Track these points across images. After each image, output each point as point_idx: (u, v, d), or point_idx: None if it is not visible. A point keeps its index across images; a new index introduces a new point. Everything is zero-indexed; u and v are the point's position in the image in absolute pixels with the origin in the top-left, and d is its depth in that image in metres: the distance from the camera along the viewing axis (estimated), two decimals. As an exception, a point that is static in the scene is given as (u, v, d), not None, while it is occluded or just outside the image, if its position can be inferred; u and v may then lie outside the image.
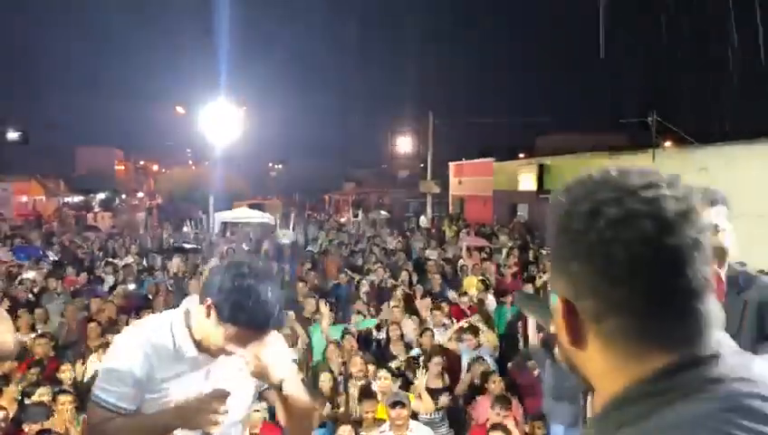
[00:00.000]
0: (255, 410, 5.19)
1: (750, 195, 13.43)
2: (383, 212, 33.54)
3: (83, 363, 7.28)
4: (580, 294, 0.89)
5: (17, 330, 8.14)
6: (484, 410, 6.34)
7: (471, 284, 11.08)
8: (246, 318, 2.09)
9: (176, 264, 13.14)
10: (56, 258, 15.17)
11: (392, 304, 9.31)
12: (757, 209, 13.19)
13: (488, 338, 8.04)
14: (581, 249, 0.87)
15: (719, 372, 0.83)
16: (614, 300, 0.86)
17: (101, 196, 58.65)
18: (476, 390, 6.94)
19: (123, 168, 76.23)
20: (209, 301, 2.12)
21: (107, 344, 7.32)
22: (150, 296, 10.61)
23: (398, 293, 9.75)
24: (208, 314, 2.14)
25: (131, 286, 11.38)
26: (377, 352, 8.12)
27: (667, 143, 26.85)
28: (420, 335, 8.04)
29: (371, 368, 6.86)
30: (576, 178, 0.94)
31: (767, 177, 13.63)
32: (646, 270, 0.83)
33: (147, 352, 2.19)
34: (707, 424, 0.78)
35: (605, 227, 0.85)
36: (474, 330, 7.91)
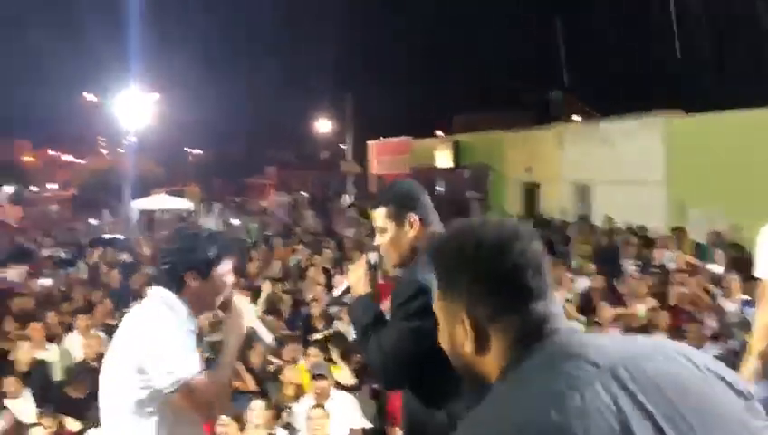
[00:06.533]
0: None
1: (643, 163, 14.59)
2: (303, 193, 33.45)
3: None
4: (477, 305, 1.21)
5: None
6: None
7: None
8: (217, 253, 2.42)
9: (95, 255, 12.81)
10: None
11: (308, 283, 9.52)
12: (643, 177, 14.38)
13: None
14: (478, 271, 1.21)
15: (552, 347, 1.17)
16: (501, 303, 1.20)
17: (9, 189, 55.94)
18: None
19: (33, 158, 72.65)
20: (189, 270, 2.39)
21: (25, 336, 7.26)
22: (65, 289, 10.40)
23: (312, 272, 9.89)
24: (195, 279, 2.39)
25: (48, 280, 11.08)
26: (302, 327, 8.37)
27: (578, 118, 28.31)
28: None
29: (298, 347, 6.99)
30: (450, 232, 1.32)
31: (657, 147, 14.66)
32: (514, 277, 1.20)
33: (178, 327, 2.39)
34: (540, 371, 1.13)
35: (487, 252, 1.21)
36: None
